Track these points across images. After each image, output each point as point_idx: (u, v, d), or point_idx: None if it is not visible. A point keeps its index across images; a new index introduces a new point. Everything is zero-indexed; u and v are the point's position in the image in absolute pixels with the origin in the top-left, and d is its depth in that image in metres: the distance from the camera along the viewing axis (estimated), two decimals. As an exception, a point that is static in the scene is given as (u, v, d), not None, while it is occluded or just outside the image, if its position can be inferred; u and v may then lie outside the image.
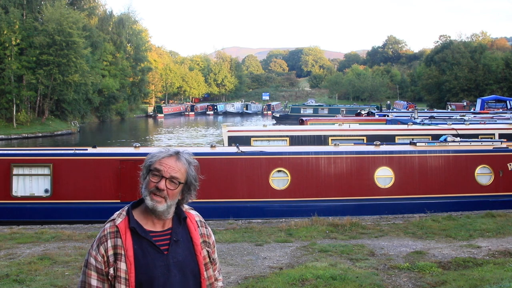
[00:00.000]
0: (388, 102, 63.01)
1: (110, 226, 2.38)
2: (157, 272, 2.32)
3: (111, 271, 2.31)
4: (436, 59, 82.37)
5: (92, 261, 2.35)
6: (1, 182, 11.81)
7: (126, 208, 2.45)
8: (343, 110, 52.67)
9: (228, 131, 16.99)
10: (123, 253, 2.31)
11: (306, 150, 12.59)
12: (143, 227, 2.37)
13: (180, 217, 2.47)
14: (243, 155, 12.18)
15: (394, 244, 8.85)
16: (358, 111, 41.11)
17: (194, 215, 2.57)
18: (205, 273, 2.46)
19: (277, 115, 64.12)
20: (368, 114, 34.83)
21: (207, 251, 2.52)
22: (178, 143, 39.31)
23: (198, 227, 2.53)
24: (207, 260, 2.51)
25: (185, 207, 2.55)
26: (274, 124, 50.71)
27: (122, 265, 2.30)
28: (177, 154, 2.44)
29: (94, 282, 2.33)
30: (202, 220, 2.60)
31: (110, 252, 2.32)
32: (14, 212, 11.73)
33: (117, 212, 2.43)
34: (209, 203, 11.57)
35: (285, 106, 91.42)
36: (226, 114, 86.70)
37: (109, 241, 2.34)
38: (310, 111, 58.93)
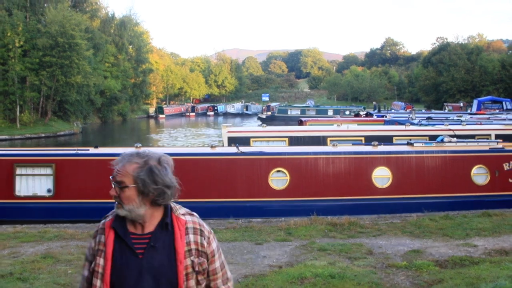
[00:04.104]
0: (374, 103, 62.74)
1: (101, 223, 2.49)
2: (128, 275, 2.32)
3: (93, 264, 2.44)
4: (433, 61, 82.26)
5: (87, 252, 2.51)
6: (4, 182, 11.87)
7: None
8: (342, 111, 52.63)
9: (228, 131, 17.02)
10: (103, 249, 2.39)
11: (305, 151, 12.65)
12: (126, 228, 2.38)
13: (163, 222, 2.38)
14: (243, 155, 12.26)
15: (392, 243, 8.90)
16: (357, 111, 41.22)
17: (186, 221, 2.42)
18: (184, 283, 2.33)
19: (263, 116, 62.74)
20: (367, 114, 35.09)
21: (192, 261, 2.36)
22: (175, 144, 39.38)
23: (188, 234, 2.38)
24: (189, 270, 2.35)
25: (183, 211, 2.47)
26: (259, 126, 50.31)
27: (101, 261, 2.39)
28: (130, 156, 2.36)
29: (85, 272, 2.49)
30: (198, 227, 2.43)
31: (96, 247, 2.44)
32: (17, 212, 11.79)
33: (112, 210, 2.48)
34: (209, 203, 11.69)
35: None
36: (226, 115, 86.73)
37: (97, 236, 2.46)
38: (297, 112, 57.93)
